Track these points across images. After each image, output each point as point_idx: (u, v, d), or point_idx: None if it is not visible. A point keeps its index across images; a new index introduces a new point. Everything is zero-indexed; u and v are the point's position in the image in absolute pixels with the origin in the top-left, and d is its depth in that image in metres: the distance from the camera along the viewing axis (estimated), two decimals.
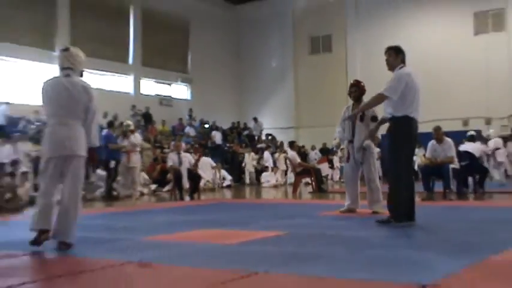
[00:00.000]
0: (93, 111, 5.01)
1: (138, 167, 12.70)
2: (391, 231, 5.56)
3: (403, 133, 5.95)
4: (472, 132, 13.30)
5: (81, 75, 5.19)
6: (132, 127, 12.94)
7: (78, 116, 4.96)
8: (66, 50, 5.23)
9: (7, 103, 17.17)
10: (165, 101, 24.32)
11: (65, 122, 4.92)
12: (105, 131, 13.22)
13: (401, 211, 5.83)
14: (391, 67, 6.11)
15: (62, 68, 5.09)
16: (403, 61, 6.12)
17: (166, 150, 17.56)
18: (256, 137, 25.40)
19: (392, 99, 5.93)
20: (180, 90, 25.43)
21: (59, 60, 5.18)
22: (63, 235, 4.72)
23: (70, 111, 4.92)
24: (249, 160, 20.38)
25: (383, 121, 6.53)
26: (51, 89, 5.01)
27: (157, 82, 24.28)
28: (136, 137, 12.92)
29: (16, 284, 3.37)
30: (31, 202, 10.83)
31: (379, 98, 6.14)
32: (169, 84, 24.88)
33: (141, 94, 23.18)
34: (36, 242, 4.64)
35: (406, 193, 5.87)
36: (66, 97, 4.92)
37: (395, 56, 6.12)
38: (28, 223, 4.75)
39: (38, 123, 16.23)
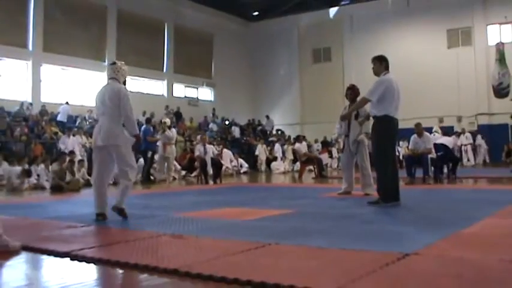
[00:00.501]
0: (124, 108, 5.08)
1: (172, 157, 12.71)
2: (380, 210, 5.55)
3: (385, 130, 5.88)
4: (437, 128, 13.46)
5: (124, 83, 5.32)
6: (168, 124, 12.98)
7: (116, 115, 5.09)
8: (112, 64, 5.47)
9: (67, 103, 17.39)
10: (193, 102, 24.34)
11: (106, 119, 5.10)
12: (143, 126, 13.27)
13: (388, 193, 5.81)
14: (376, 73, 6.02)
15: (108, 78, 5.30)
16: (386, 68, 5.99)
17: (194, 143, 17.59)
18: (268, 132, 25.34)
19: (374, 102, 5.88)
20: (205, 93, 25.40)
21: (107, 71, 5.39)
22: (119, 204, 5.00)
23: (108, 112, 5.08)
24: (262, 150, 20.36)
25: (368, 117, 6.53)
26: (98, 96, 5.23)
27: (187, 86, 24.26)
28: (172, 132, 12.89)
29: (77, 249, 3.44)
30: (86, 184, 11.01)
31: (363, 100, 6.21)
32: (196, 88, 24.86)
33: (173, 96, 23.21)
34: (97, 219, 4.98)
35: (391, 179, 5.83)
36: (104, 101, 5.10)
37: (379, 64, 6.01)
38: (85, 201, 4.87)
39: (90, 121, 16.40)
